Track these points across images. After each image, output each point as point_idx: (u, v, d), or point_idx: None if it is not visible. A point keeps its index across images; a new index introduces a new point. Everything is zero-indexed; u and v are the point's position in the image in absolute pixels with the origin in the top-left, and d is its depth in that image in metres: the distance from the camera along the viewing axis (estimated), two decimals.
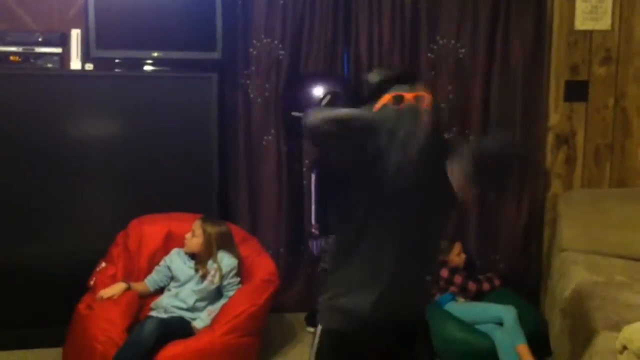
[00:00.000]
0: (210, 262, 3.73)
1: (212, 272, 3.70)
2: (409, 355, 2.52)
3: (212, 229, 3.75)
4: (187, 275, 3.73)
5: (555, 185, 4.59)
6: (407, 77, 2.46)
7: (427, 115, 2.35)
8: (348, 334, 2.41)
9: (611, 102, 4.52)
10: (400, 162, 2.25)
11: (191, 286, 3.70)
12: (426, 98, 2.38)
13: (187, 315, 3.63)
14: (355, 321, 2.39)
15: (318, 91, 4.17)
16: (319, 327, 2.45)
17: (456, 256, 4.35)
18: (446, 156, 2.38)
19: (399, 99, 2.37)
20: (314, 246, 4.24)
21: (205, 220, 3.80)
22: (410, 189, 2.29)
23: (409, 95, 2.37)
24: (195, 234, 3.76)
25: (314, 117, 2.33)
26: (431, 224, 2.43)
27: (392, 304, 2.39)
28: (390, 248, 2.36)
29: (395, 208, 2.33)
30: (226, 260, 3.75)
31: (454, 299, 4.21)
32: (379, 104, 2.37)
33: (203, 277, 3.70)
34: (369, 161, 2.28)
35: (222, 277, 3.71)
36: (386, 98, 2.38)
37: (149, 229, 3.95)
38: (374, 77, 2.48)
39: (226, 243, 3.79)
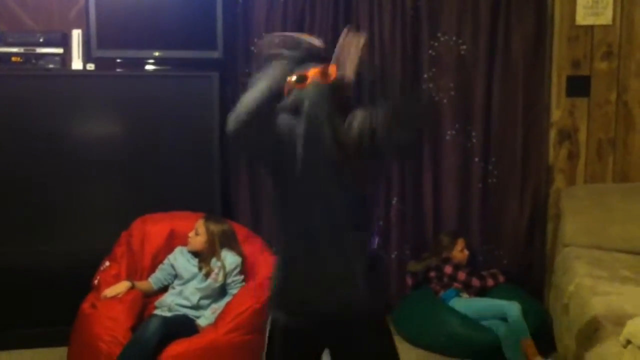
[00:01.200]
0: (214, 260, 3.73)
1: (216, 270, 3.70)
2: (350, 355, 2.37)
3: (215, 228, 3.76)
4: (190, 274, 3.74)
5: (558, 181, 4.59)
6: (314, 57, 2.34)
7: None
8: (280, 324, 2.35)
9: (613, 96, 4.52)
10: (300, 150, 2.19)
11: (195, 284, 3.70)
12: (331, 72, 2.26)
13: (191, 313, 3.63)
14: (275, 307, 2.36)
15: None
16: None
17: (459, 252, 4.35)
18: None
19: (301, 79, 2.27)
20: None
21: (208, 218, 3.81)
22: (309, 175, 2.21)
23: (311, 72, 2.27)
24: (198, 233, 3.76)
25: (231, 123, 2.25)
26: (336, 207, 2.27)
27: (299, 292, 2.31)
28: (295, 231, 2.29)
29: (294, 191, 2.26)
30: (230, 258, 3.75)
31: (458, 295, 4.21)
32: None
33: (207, 275, 3.71)
34: (272, 145, 2.24)
35: (225, 275, 3.71)
36: (289, 81, 2.28)
37: (152, 228, 3.96)
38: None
39: (229, 241, 3.80)
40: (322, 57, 2.36)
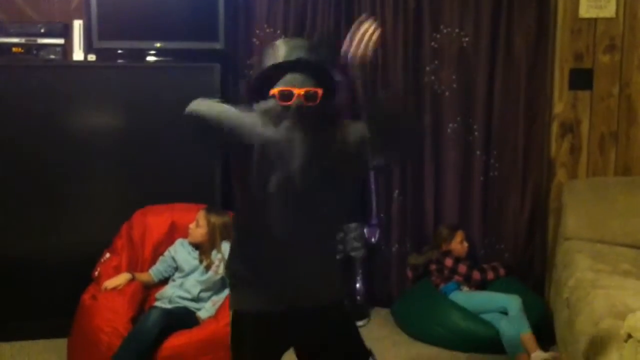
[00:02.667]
0: (214, 253, 3.73)
1: (217, 263, 3.70)
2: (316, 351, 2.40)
3: (216, 220, 3.76)
4: (191, 266, 3.74)
5: (560, 174, 4.58)
6: (304, 65, 2.27)
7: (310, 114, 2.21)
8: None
9: (616, 90, 4.50)
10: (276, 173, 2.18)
11: (195, 276, 3.70)
12: (318, 94, 2.23)
13: (192, 305, 3.63)
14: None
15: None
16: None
17: (459, 244, 4.35)
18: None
19: (288, 96, 2.23)
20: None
21: (209, 210, 3.80)
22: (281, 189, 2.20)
23: (297, 91, 2.23)
24: (199, 224, 3.76)
25: (193, 106, 2.32)
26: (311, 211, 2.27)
27: (274, 284, 2.32)
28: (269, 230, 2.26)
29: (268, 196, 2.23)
30: None
31: (458, 288, 4.21)
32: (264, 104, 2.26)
33: (207, 267, 3.71)
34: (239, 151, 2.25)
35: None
36: (273, 92, 2.25)
37: (153, 219, 3.96)
38: (270, 56, 2.31)
39: (230, 233, 3.79)
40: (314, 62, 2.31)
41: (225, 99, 2.52)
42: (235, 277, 2.41)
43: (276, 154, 2.19)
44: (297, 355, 2.46)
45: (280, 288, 2.32)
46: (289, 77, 2.28)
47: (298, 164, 2.18)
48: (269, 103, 2.27)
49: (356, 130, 2.27)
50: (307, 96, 2.24)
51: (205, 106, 2.34)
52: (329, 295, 2.39)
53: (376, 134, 2.22)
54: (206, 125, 2.30)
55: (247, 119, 2.27)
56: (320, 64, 2.31)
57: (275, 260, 2.31)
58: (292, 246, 2.28)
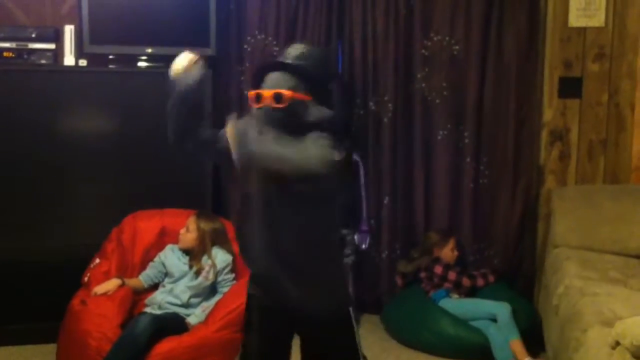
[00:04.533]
0: (204, 258, 3.72)
1: (207, 269, 3.69)
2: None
3: (205, 225, 3.75)
4: (181, 271, 3.73)
5: (549, 181, 4.60)
6: (281, 65, 2.31)
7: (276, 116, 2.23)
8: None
9: (605, 98, 4.53)
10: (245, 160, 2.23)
11: (185, 282, 3.70)
12: (285, 96, 2.23)
13: (182, 311, 3.63)
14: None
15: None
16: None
17: (449, 251, 4.36)
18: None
19: (258, 98, 2.27)
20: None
21: (199, 215, 3.80)
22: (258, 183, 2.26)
23: (267, 93, 2.26)
24: (189, 229, 3.76)
25: None
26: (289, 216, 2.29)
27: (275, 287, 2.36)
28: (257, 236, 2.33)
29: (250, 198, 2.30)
30: (220, 256, 3.75)
31: (448, 295, 4.22)
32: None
33: (197, 273, 3.70)
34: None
35: (216, 274, 3.71)
36: (251, 94, 2.30)
37: (143, 224, 3.95)
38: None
39: (220, 239, 3.79)
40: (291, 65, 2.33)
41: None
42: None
43: (249, 159, 2.23)
44: (301, 347, 2.51)
45: (276, 294, 2.36)
46: (267, 78, 2.31)
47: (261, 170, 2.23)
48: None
49: (316, 145, 2.21)
50: (275, 97, 2.24)
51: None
52: (325, 304, 2.39)
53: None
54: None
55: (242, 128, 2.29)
56: (301, 69, 2.31)
57: (265, 267, 2.34)
58: (276, 255, 2.30)
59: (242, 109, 4.50)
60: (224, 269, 3.73)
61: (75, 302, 3.58)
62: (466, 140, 4.54)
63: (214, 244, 3.76)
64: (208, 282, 3.69)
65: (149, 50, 4.11)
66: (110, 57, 4.15)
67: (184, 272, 3.73)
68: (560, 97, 4.54)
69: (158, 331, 3.39)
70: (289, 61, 2.33)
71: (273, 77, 2.30)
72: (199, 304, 3.68)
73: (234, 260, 3.80)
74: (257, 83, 2.33)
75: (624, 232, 4.09)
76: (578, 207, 4.25)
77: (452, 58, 4.51)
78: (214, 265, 3.70)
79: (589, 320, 3.10)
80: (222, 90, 4.44)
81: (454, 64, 4.51)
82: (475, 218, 4.60)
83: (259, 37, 4.47)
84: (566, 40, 4.49)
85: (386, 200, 4.58)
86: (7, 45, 4.04)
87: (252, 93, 2.29)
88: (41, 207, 4.04)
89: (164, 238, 3.93)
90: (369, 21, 4.44)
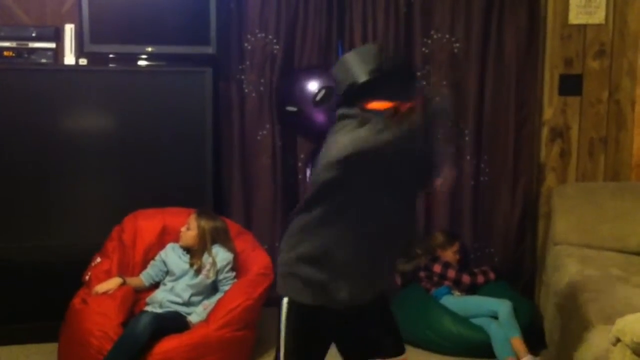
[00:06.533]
0: (205, 256, 3.72)
1: (208, 267, 3.70)
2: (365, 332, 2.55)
3: (206, 223, 3.75)
4: (182, 270, 3.74)
5: (550, 179, 4.60)
6: (401, 77, 2.35)
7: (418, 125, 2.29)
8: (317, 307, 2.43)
9: (605, 95, 4.53)
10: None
11: (186, 280, 3.70)
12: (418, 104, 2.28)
13: (183, 309, 3.63)
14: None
15: (312, 85, 4.19)
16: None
17: (452, 254, 4.36)
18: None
19: (393, 112, 2.27)
20: None
21: (200, 214, 3.80)
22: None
23: (404, 107, 2.26)
24: (189, 228, 3.76)
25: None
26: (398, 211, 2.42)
27: (363, 287, 2.43)
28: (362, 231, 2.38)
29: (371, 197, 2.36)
30: (221, 255, 3.75)
31: (449, 292, 4.22)
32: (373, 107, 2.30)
33: (198, 271, 3.70)
34: None
35: (217, 272, 3.71)
36: (378, 105, 2.29)
37: (144, 223, 3.96)
38: (359, 73, 2.32)
39: (221, 237, 3.79)
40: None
41: None
42: (296, 269, 2.43)
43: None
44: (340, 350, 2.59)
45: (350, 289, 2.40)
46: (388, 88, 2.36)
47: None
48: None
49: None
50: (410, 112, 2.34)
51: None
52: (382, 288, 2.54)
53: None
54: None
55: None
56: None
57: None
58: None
59: (241, 108, 4.51)
60: (224, 267, 3.73)
61: (77, 301, 3.59)
62: (466, 138, 4.54)
63: (214, 242, 3.76)
64: (209, 281, 3.69)
65: (150, 49, 4.11)
66: (111, 56, 4.15)
67: (184, 271, 3.73)
68: (560, 94, 4.54)
69: (159, 330, 3.39)
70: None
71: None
72: (200, 302, 3.68)
73: (234, 259, 3.80)
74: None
75: (625, 229, 4.09)
76: (579, 205, 4.24)
77: (453, 56, 4.51)
78: (214, 263, 3.70)
79: (589, 318, 3.11)
80: (222, 88, 4.44)
81: (454, 62, 4.51)
82: (476, 216, 4.61)
83: (259, 35, 4.47)
84: (566, 38, 4.49)
85: None
86: (7, 44, 4.04)
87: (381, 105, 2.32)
88: (41, 206, 4.04)
89: (165, 237, 3.93)
90: (369, 19, 4.44)
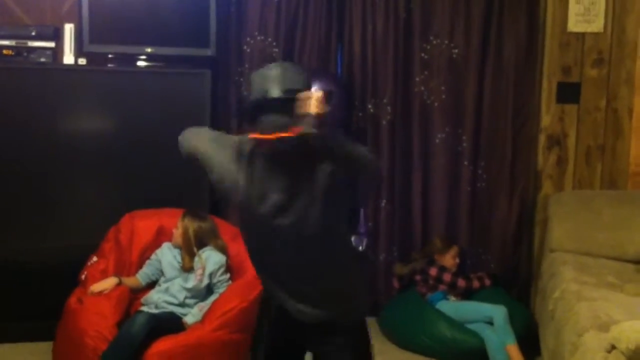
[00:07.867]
0: (196, 260, 3.70)
1: (200, 272, 3.67)
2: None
3: (190, 223, 3.72)
4: (174, 270, 3.73)
5: (547, 186, 4.61)
6: (283, 106, 2.30)
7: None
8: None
9: (603, 103, 4.54)
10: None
11: (180, 281, 3.69)
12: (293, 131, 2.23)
13: (178, 310, 3.62)
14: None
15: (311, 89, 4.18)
16: None
17: (451, 259, 4.36)
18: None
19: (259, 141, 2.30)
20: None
21: (186, 213, 3.77)
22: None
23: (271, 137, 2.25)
24: (177, 227, 3.75)
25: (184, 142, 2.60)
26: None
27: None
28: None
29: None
30: (213, 258, 3.71)
31: (445, 297, 4.22)
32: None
33: (187, 270, 3.68)
34: None
35: (210, 275, 3.68)
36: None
37: (141, 223, 3.95)
38: (260, 89, 2.33)
39: (207, 237, 3.75)
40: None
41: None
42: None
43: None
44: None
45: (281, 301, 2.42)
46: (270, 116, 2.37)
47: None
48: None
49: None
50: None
51: (193, 142, 2.61)
52: (331, 312, 2.42)
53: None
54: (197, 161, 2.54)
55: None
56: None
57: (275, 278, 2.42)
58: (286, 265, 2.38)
59: (240, 110, 4.51)
60: (217, 270, 3.70)
61: (72, 300, 3.58)
62: (464, 144, 4.55)
63: (202, 243, 3.73)
64: (202, 284, 3.67)
65: (149, 50, 4.12)
66: (110, 56, 4.15)
67: (177, 270, 3.72)
68: (558, 102, 4.55)
69: (154, 330, 3.38)
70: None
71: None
72: (195, 304, 3.67)
73: (227, 261, 3.77)
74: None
75: (622, 237, 4.10)
76: (575, 212, 4.26)
77: (451, 61, 4.52)
78: (203, 267, 3.67)
79: (584, 325, 3.11)
80: (221, 90, 4.44)
81: (452, 67, 4.52)
82: (473, 222, 4.61)
83: (258, 38, 4.47)
84: (565, 46, 4.51)
85: (383, 203, 4.58)
86: (6, 43, 4.04)
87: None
88: (38, 206, 4.04)
89: (161, 237, 3.92)
90: (369, 24, 4.45)
